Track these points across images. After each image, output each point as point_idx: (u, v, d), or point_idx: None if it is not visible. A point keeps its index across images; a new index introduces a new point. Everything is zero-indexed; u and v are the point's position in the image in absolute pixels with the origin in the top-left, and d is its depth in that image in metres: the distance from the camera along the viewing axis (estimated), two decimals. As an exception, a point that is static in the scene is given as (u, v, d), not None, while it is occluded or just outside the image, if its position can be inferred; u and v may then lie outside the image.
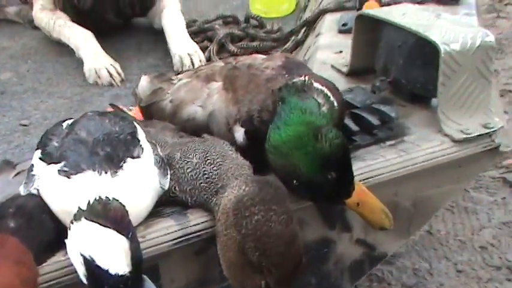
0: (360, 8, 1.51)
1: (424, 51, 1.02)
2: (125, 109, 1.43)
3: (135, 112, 1.37)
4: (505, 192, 1.90)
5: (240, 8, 2.39)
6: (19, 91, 1.74)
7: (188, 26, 2.07)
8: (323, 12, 1.73)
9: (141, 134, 0.89)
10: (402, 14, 1.07)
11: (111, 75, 1.77)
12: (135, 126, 0.90)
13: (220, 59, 1.84)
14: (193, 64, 1.78)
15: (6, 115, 1.59)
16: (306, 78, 0.91)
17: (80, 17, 1.93)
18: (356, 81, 1.22)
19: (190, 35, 2.04)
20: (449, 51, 0.94)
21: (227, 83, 1.05)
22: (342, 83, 1.24)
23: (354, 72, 1.24)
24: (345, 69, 1.27)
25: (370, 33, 1.16)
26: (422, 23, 1.01)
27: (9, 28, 2.26)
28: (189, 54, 1.80)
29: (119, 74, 1.78)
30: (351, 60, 1.23)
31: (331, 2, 1.78)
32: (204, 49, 1.94)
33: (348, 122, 0.96)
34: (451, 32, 0.97)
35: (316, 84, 0.91)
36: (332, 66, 1.31)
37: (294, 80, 0.92)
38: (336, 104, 0.90)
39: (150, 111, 1.20)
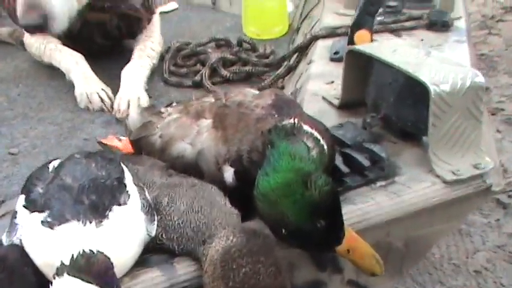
0: (352, 37, 1.50)
1: (414, 90, 1.00)
2: (115, 140, 1.42)
3: (125, 143, 1.35)
4: (499, 213, 1.90)
5: (233, 29, 2.38)
6: (9, 117, 1.71)
7: (180, 48, 2.06)
8: (315, 39, 1.72)
9: (128, 178, 0.88)
10: (392, 51, 1.06)
11: (102, 100, 1.75)
12: (122, 170, 0.88)
13: (212, 83, 1.83)
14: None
15: (-6, 142, 1.56)
16: (296, 120, 0.90)
17: (69, 40, 1.92)
18: (347, 115, 1.21)
19: (183, 58, 2.03)
20: (439, 92, 0.93)
21: (217, 121, 1.04)
22: (332, 116, 1.23)
23: (345, 105, 1.23)
24: (336, 102, 1.25)
25: (361, 68, 1.15)
26: (412, 62, 1.00)
27: (1, 49, 2.24)
28: (129, 100, 1.71)
29: (109, 98, 1.76)
30: (342, 94, 1.21)
31: (323, 27, 1.78)
32: (196, 73, 1.93)
33: (339, 163, 0.95)
34: (441, 72, 0.96)
35: (305, 127, 0.89)
36: (323, 98, 1.30)
37: (284, 123, 0.90)
38: (325, 147, 0.89)
39: (140, 145, 1.18)
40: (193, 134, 1.05)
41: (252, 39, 2.07)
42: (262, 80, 1.85)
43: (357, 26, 1.50)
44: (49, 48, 1.92)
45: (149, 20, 1.96)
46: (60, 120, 1.69)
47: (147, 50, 1.91)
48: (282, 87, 1.76)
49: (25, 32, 2.03)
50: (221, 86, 1.85)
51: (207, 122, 1.05)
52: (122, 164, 0.91)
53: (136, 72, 1.81)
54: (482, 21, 3.65)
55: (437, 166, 0.94)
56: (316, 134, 0.89)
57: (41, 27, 1.69)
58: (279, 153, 0.83)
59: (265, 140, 0.92)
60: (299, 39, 2.17)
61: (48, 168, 0.89)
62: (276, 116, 0.97)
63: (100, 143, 1.43)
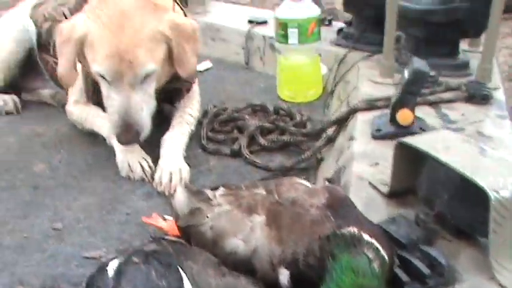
0: (394, 115, 1.50)
1: (470, 190, 0.99)
2: (160, 219, 1.42)
3: (171, 225, 1.35)
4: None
5: (267, 91, 2.41)
6: (51, 186, 1.73)
7: (218, 114, 2.08)
8: (354, 111, 1.73)
9: (187, 286, 0.87)
10: (445, 148, 1.05)
11: (143, 169, 1.76)
12: (181, 278, 0.88)
13: (250, 152, 1.84)
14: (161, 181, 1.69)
15: (39, 215, 1.57)
16: (355, 230, 0.89)
17: None
18: (397, 205, 1.20)
19: (220, 123, 2.05)
20: (500, 198, 0.92)
21: (270, 219, 1.03)
22: (381, 206, 1.21)
23: (394, 193, 1.22)
24: (383, 189, 1.24)
25: (411, 159, 1.15)
26: (468, 163, 0.99)
27: (43, 111, 2.29)
28: (171, 172, 1.69)
29: (150, 168, 1.76)
30: (391, 183, 1.20)
31: (361, 100, 1.78)
32: (233, 140, 1.94)
33: (397, 270, 0.93)
34: (499, 176, 0.94)
35: (365, 237, 0.88)
36: (370, 184, 1.29)
37: (343, 231, 0.89)
38: (386, 258, 0.87)
39: (189, 233, 1.18)
40: (247, 231, 1.04)
41: (289, 107, 2.08)
42: (299, 149, 1.86)
43: (399, 104, 1.51)
44: (91, 115, 1.96)
45: (189, 90, 1.99)
46: (101, 190, 1.70)
47: (186, 117, 1.93)
48: (321, 159, 1.75)
49: (68, 99, 2.08)
50: (259, 155, 1.86)
51: (260, 219, 1.05)
52: (180, 270, 0.91)
53: (176, 140, 1.82)
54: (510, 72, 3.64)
55: (500, 274, 0.91)
56: (376, 244, 0.88)
57: (134, 142, 1.72)
58: (341, 268, 0.82)
59: (322, 245, 0.91)
60: (334, 103, 2.18)
61: (107, 272, 0.89)
62: (332, 218, 0.96)
63: (153, 238, 1.43)
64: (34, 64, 2.35)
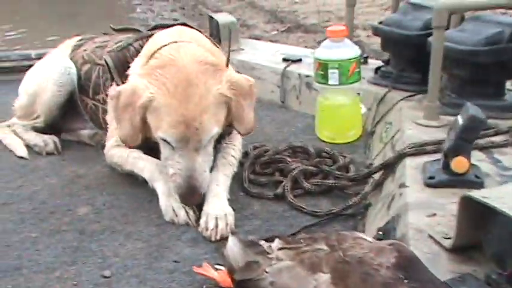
0: (447, 163, 1.47)
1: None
2: (211, 269, 1.39)
3: (223, 276, 1.33)
4: None
5: (305, 132, 2.40)
6: (97, 230, 1.72)
7: (259, 155, 2.07)
8: (403, 156, 1.70)
9: None
10: (517, 204, 1.01)
11: (187, 214, 1.74)
12: None
13: (294, 196, 1.81)
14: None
15: (86, 262, 1.56)
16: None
17: (151, 151, 1.93)
18: (461, 261, 1.15)
19: (261, 165, 2.03)
20: None
21: (336, 278, 1.00)
22: (445, 261, 1.17)
23: (457, 248, 1.18)
24: (445, 243, 1.20)
25: (478, 215, 1.11)
26: (545, 222, 0.95)
27: (83, 152, 2.31)
28: (217, 217, 1.67)
29: (194, 212, 1.75)
30: (455, 238, 1.16)
31: (410, 144, 1.75)
32: (276, 183, 1.92)
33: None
34: None
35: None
36: (430, 236, 1.25)
37: (420, 297, 0.86)
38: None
39: (245, 287, 1.16)
40: (311, 290, 1.02)
41: (332, 150, 2.06)
42: (344, 194, 1.83)
43: (453, 152, 1.47)
44: (132, 157, 1.96)
45: (231, 132, 1.98)
46: (147, 236, 1.68)
47: (229, 159, 1.92)
48: (369, 205, 1.72)
49: (107, 140, 2.09)
50: (303, 199, 1.83)
51: (325, 277, 1.02)
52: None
53: (221, 183, 1.81)
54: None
55: None
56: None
57: (197, 202, 1.73)
58: None
59: (396, 310, 0.87)
60: (375, 145, 2.15)
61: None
62: (405, 280, 0.92)
63: (197, 272, 1.41)
64: (74, 105, 2.38)
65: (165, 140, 1.71)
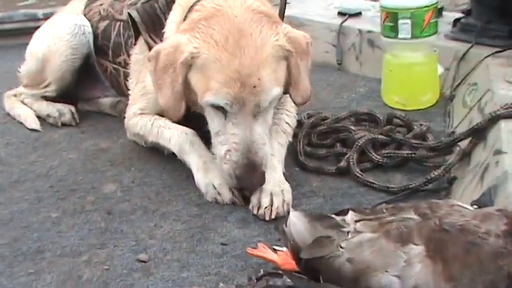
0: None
1: None
2: (269, 251, 1.40)
3: (284, 257, 1.33)
4: None
5: (369, 97, 2.39)
6: (127, 210, 1.76)
7: (315, 124, 2.07)
8: (496, 119, 1.67)
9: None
10: None
11: (232, 192, 1.75)
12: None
13: (361, 171, 1.80)
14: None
15: (118, 245, 1.59)
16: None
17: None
18: None
19: (318, 135, 2.03)
20: None
21: (432, 250, 1.00)
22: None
23: None
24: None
25: None
26: None
27: (104, 123, 2.35)
28: (272, 193, 1.67)
29: (240, 190, 1.75)
30: None
31: (502, 104, 1.72)
32: (338, 156, 1.92)
33: None
34: None
35: None
36: (538, 207, 1.23)
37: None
38: None
39: (316, 267, 1.16)
40: (401, 264, 1.01)
41: (406, 115, 2.04)
42: (423, 166, 1.81)
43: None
44: (157, 125, 1.97)
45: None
46: (187, 216, 1.71)
47: (282, 125, 1.92)
48: (454, 178, 1.70)
49: (127, 112, 2.11)
50: (372, 174, 1.82)
51: (418, 250, 1.01)
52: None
53: (275, 154, 1.81)
54: None
55: None
56: None
57: (261, 184, 1.70)
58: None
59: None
60: (457, 110, 2.12)
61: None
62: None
63: (251, 254, 1.42)
64: (91, 70, 2.43)
65: (215, 107, 1.67)
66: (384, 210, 1.16)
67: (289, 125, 1.95)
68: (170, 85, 1.73)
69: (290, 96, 1.81)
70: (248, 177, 1.66)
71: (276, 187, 1.70)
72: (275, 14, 1.82)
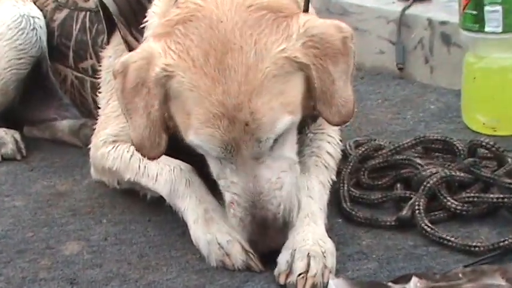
0: None
1: None
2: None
3: None
4: None
5: (442, 117, 2.52)
6: (98, 280, 1.85)
7: (366, 157, 2.17)
8: None
9: None
10: None
11: (245, 251, 1.83)
12: None
13: (432, 222, 1.89)
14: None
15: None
16: None
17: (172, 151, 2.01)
18: None
19: (370, 172, 2.13)
20: None
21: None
22: None
23: None
24: None
25: None
26: None
27: (63, 157, 2.49)
28: (309, 255, 1.76)
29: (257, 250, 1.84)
30: None
31: None
32: (398, 201, 2.02)
33: None
34: None
35: None
36: None
37: None
38: None
39: None
40: None
41: (495, 144, 2.12)
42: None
43: None
44: (138, 158, 2.05)
45: (316, 117, 2.07)
46: (183, 287, 1.80)
47: (324, 156, 2.04)
48: None
49: (93, 140, 2.23)
50: (447, 226, 1.93)
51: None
52: None
53: (314, 195, 1.92)
54: None
55: None
56: None
57: (280, 243, 1.82)
58: None
59: None
60: None
61: None
62: None
63: None
64: (44, 81, 2.57)
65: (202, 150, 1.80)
66: (460, 275, 1.26)
67: (333, 157, 2.06)
68: (144, 111, 1.82)
69: (322, 116, 1.88)
70: (261, 241, 1.79)
71: (315, 246, 1.79)
72: (289, 5, 1.87)
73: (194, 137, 1.75)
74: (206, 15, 1.77)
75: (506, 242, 1.78)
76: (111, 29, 2.20)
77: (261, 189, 1.76)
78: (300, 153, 1.96)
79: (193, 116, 1.73)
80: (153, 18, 2.05)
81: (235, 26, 1.74)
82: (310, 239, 1.80)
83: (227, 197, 1.81)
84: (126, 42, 2.11)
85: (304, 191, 1.91)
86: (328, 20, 1.86)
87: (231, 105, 1.69)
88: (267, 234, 1.78)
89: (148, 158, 1.92)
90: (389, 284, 1.32)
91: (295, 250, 1.78)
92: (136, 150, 1.90)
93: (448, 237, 1.85)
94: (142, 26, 2.09)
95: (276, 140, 1.75)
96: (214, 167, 1.83)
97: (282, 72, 1.74)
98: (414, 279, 1.29)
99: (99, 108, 2.29)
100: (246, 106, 1.69)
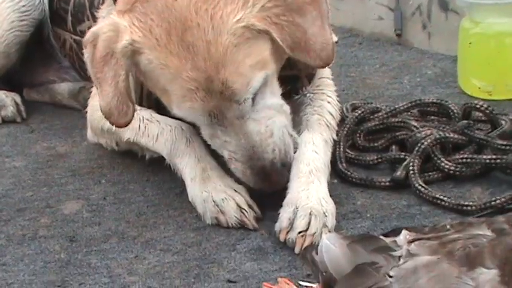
0: None
1: None
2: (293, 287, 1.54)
3: (317, 293, 1.47)
4: None
5: (439, 82, 2.56)
6: (97, 237, 1.90)
7: (362, 119, 2.21)
8: None
9: None
10: None
11: (241, 209, 1.89)
12: None
13: (426, 182, 1.93)
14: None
15: (85, 283, 1.70)
16: None
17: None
18: None
19: (366, 134, 2.17)
20: None
21: (509, 274, 1.12)
22: None
23: None
24: None
25: None
26: None
27: (62, 119, 2.54)
28: (311, 213, 1.81)
29: (250, 206, 1.91)
30: None
31: None
32: (393, 162, 2.06)
33: None
34: None
35: None
36: None
37: None
38: None
39: (357, 304, 1.29)
40: (467, 294, 1.14)
41: (489, 106, 2.16)
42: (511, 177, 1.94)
43: None
44: (138, 118, 2.08)
45: (311, 76, 2.12)
46: (180, 245, 1.84)
47: (325, 115, 2.07)
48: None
49: (89, 102, 2.27)
50: (441, 186, 1.97)
51: (490, 275, 1.13)
52: None
53: (320, 151, 1.96)
54: None
55: None
56: None
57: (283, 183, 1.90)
58: None
59: None
60: None
61: None
62: None
63: None
64: (45, 44, 2.61)
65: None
66: (448, 227, 1.29)
67: (333, 117, 2.10)
68: (112, 80, 1.87)
69: (302, 61, 1.93)
70: (265, 184, 1.86)
71: (317, 205, 1.84)
72: None
73: (177, 110, 1.85)
74: None
75: (498, 201, 1.83)
76: None
77: (253, 143, 1.83)
78: (301, 111, 2.04)
79: (171, 93, 1.82)
80: None
81: (189, 2, 1.78)
82: (314, 197, 1.85)
83: (225, 154, 1.88)
84: (114, 1, 2.12)
85: (310, 145, 1.96)
86: None
87: (202, 79, 1.77)
88: (270, 179, 1.85)
89: (117, 126, 2.00)
90: (380, 237, 1.34)
91: (297, 208, 1.83)
92: (105, 118, 1.96)
93: (441, 197, 1.89)
94: None
95: (255, 95, 1.82)
96: (205, 130, 1.90)
97: (242, 40, 1.79)
98: (404, 231, 1.32)
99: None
100: (215, 78, 1.76)
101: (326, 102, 2.11)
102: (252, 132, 1.83)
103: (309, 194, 1.85)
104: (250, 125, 1.83)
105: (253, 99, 1.82)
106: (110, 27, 1.86)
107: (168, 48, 1.79)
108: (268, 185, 1.87)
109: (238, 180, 1.94)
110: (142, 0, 1.83)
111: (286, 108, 1.93)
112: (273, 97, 1.89)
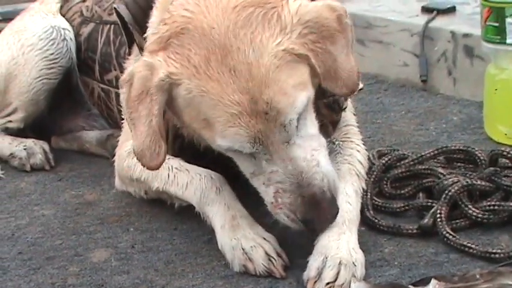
0: None
1: None
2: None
3: None
4: None
5: (465, 128, 2.58)
6: (126, 286, 1.92)
7: (389, 166, 2.22)
8: None
9: None
10: None
11: (269, 257, 1.90)
12: None
13: (452, 229, 1.94)
14: None
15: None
16: None
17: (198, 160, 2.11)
18: None
19: (393, 181, 2.18)
20: None
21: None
22: None
23: None
24: None
25: None
26: None
27: (90, 168, 2.57)
28: (340, 263, 1.81)
29: (279, 254, 1.92)
30: None
31: None
32: (420, 209, 2.07)
33: None
34: None
35: None
36: None
37: None
38: None
39: None
40: None
41: (516, 152, 2.18)
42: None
43: None
44: (167, 167, 2.11)
45: (336, 122, 2.15)
46: (209, 295, 1.87)
47: (355, 165, 2.10)
48: None
49: (117, 151, 2.29)
50: (469, 234, 1.98)
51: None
52: None
53: (352, 202, 1.98)
54: None
55: None
56: None
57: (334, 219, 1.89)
58: None
59: None
60: None
61: None
62: None
63: None
64: (73, 92, 2.66)
65: (233, 151, 1.85)
66: (478, 276, 1.31)
67: (363, 166, 2.13)
68: (146, 119, 1.86)
69: (329, 90, 1.95)
70: (317, 218, 1.83)
71: (347, 255, 1.84)
72: None
73: (221, 140, 1.81)
74: (197, 25, 1.83)
75: (527, 250, 1.84)
76: (131, 39, 2.24)
77: (301, 168, 1.81)
78: (332, 160, 2.01)
79: (213, 121, 1.79)
80: (152, 29, 2.07)
81: (227, 29, 1.80)
82: (344, 248, 1.85)
83: (270, 191, 1.85)
84: (141, 49, 2.15)
85: (343, 197, 1.97)
86: (318, 1, 1.91)
87: (246, 101, 1.76)
88: (321, 208, 1.82)
89: (148, 168, 1.96)
90: (410, 286, 1.36)
91: (327, 257, 1.83)
92: (137, 159, 1.94)
93: (469, 245, 1.90)
94: (144, 36, 2.11)
95: (298, 119, 1.81)
96: (247, 167, 1.89)
97: (283, 62, 1.80)
98: (433, 281, 1.34)
99: (123, 119, 2.31)
100: (259, 98, 1.76)
101: (355, 151, 2.14)
102: (298, 158, 1.81)
103: (339, 245, 1.85)
104: (297, 150, 1.82)
105: (297, 123, 1.81)
106: (145, 66, 1.86)
107: (207, 75, 1.78)
108: (319, 215, 1.83)
109: (268, 229, 1.94)
110: (177, 34, 1.84)
111: (324, 142, 1.92)
112: (313, 127, 1.90)
